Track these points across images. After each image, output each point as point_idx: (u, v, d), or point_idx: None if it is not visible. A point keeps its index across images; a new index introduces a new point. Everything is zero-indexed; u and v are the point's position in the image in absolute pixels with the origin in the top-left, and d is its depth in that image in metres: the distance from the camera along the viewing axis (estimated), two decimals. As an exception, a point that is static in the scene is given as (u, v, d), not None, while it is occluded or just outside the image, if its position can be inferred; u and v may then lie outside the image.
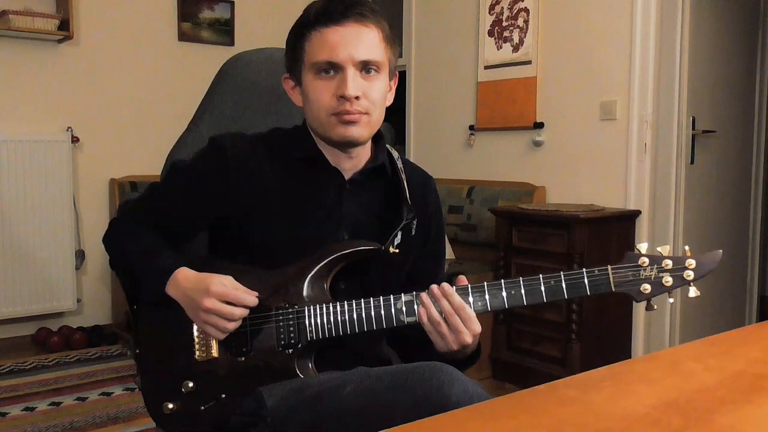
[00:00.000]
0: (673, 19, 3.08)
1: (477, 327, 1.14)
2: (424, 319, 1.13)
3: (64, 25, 3.60)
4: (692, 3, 3.10)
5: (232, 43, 4.25)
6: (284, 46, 1.29)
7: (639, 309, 3.13)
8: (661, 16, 3.06)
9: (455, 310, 1.12)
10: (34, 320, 3.70)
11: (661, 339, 3.15)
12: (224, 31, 4.27)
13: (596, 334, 2.95)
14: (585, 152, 3.31)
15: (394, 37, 1.24)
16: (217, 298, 1.13)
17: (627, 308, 3.12)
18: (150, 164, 3.73)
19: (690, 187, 3.20)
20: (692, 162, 3.21)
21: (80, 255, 3.73)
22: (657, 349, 3.11)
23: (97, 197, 3.87)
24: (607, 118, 3.21)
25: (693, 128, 3.20)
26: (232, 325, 1.14)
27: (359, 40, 1.18)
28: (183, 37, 4.14)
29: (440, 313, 1.13)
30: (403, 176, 1.30)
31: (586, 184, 3.30)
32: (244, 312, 1.15)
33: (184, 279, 1.18)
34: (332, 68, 1.18)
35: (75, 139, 3.74)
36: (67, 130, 3.72)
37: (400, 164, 1.32)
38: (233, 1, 4.28)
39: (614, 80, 3.18)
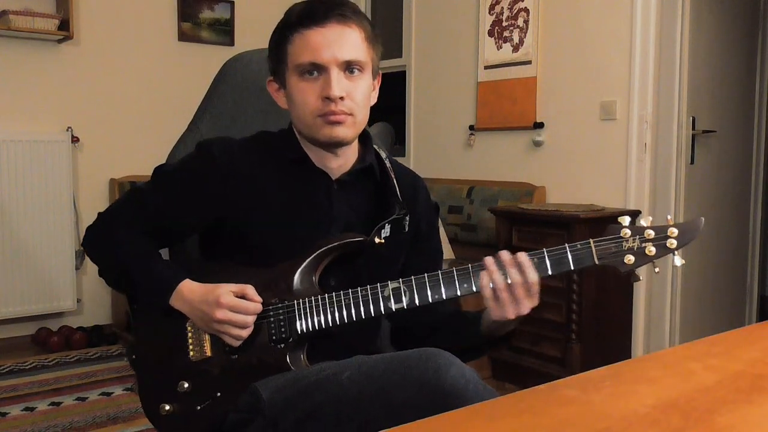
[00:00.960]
0: (673, 19, 3.08)
1: (537, 300, 1.14)
2: (486, 284, 1.12)
3: (64, 25, 3.60)
4: (692, 3, 3.10)
5: (232, 43, 4.25)
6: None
7: (639, 309, 3.13)
8: (661, 16, 3.06)
9: (526, 281, 1.11)
10: (34, 320, 3.70)
11: (661, 339, 3.15)
12: (224, 31, 4.27)
13: (596, 334, 2.95)
14: (585, 152, 3.31)
15: (377, 37, 1.25)
16: (228, 308, 1.15)
17: (627, 308, 3.12)
18: (150, 164, 3.68)
19: (690, 187, 3.20)
20: (692, 162, 3.21)
21: (80, 255, 3.73)
22: (657, 349, 3.11)
23: (97, 197, 3.87)
24: (607, 118, 3.21)
25: (693, 128, 3.20)
26: (246, 332, 1.17)
27: (342, 41, 1.18)
28: (183, 37, 4.14)
29: (506, 279, 1.12)
30: (392, 175, 1.31)
31: (586, 184, 3.30)
32: (254, 318, 1.17)
33: (190, 291, 1.20)
34: (316, 69, 1.19)
35: (75, 139, 3.74)
36: (67, 130, 3.72)
37: (388, 164, 1.32)
38: (233, 1, 4.29)
39: (614, 80, 3.18)
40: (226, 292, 1.16)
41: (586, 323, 2.90)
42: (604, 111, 3.22)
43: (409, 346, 1.30)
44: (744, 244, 3.75)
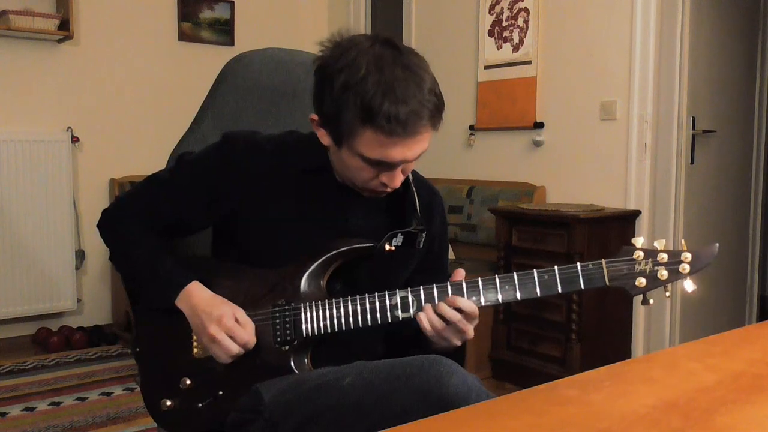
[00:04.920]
0: (673, 19, 3.08)
1: (476, 320, 1.15)
2: (426, 326, 1.14)
3: (64, 25, 3.60)
4: (692, 3, 3.10)
5: (232, 43, 4.25)
6: (286, 46, 1.27)
7: (639, 309, 3.13)
8: (661, 16, 3.06)
9: (465, 317, 1.13)
10: (34, 320, 3.70)
11: (661, 339, 3.15)
12: (224, 31, 4.27)
13: (596, 334, 2.95)
14: (585, 152, 3.31)
15: (442, 111, 1.17)
16: (224, 330, 1.15)
17: (627, 308, 3.12)
18: (150, 164, 3.70)
19: (690, 187, 3.20)
20: (692, 162, 3.21)
21: (80, 255, 3.73)
22: (657, 349, 3.11)
23: (97, 197, 3.87)
24: (607, 118, 3.21)
25: (693, 128, 3.20)
26: (228, 359, 1.17)
27: (419, 146, 1.13)
28: (183, 37, 4.14)
29: (445, 321, 1.13)
30: (413, 188, 1.29)
31: (586, 184, 3.30)
32: (242, 351, 1.17)
33: (198, 298, 1.20)
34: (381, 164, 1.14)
35: (75, 139, 3.74)
36: (67, 130, 3.72)
37: (410, 176, 1.30)
38: (233, 1, 4.28)
39: (614, 80, 3.18)
40: (230, 314, 1.17)
41: (586, 323, 2.90)
42: (604, 111, 3.22)
43: (399, 351, 1.29)
44: (744, 244, 3.75)
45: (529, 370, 3.05)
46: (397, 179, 1.16)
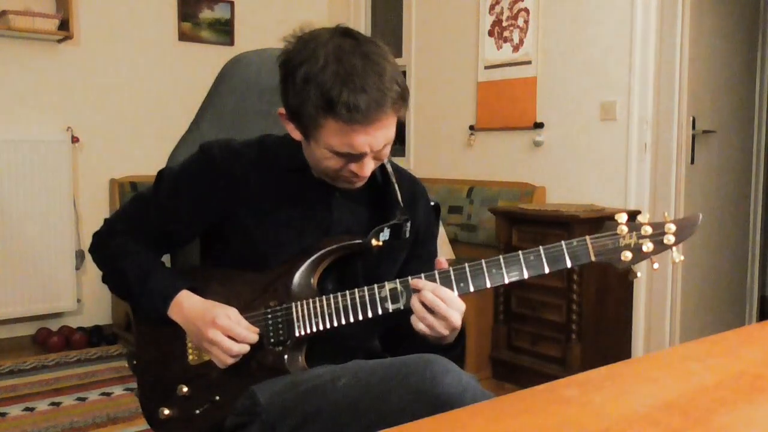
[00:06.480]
0: (673, 19, 3.08)
1: (461, 305, 1.14)
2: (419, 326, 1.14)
3: (64, 25, 3.60)
4: (692, 3, 3.10)
5: (231, 43, 4.25)
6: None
7: (639, 309, 3.13)
8: (661, 16, 3.06)
9: (443, 300, 1.12)
10: (34, 320, 3.70)
11: (661, 339, 3.15)
12: (224, 31, 4.27)
13: (596, 334, 2.95)
14: (585, 152, 3.30)
15: (407, 100, 1.16)
16: (221, 331, 1.15)
17: (627, 308, 3.12)
18: (150, 164, 3.72)
19: (690, 187, 3.20)
20: (692, 162, 3.21)
21: (80, 255, 3.73)
22: (657, 349, 3.11)
23: (97, 197, 3.87)
24: (607, 119, 3.21)
25: (693, 128, 3.20)
26: (231, 360, 1.17)
27: (382, 134, 1.13)
28: (183, 37, 4.14)
29: (428, 309, 1.12)
30: (394, 180, 1.30)
31: (586, 184, 3.30)
32: (245, 348, 1.17)
33: (190, 306, 1.20)
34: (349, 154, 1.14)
35: (75, 139, 3.74)
36: (67, 130, 3.71)
37: (389, 167, 1.31)
38: (233, 1, 4.28)
39: (614, 80, 3.18)
40: (224, 315, 1.16)
41: (586, 323, 2.90)
42: (604, 111, 3.22)
43: (395, 348, 1.29)
44: (744, 244, 3.75)
45: (529, 370, 3.05)
46: (366, 168, 1.16)
